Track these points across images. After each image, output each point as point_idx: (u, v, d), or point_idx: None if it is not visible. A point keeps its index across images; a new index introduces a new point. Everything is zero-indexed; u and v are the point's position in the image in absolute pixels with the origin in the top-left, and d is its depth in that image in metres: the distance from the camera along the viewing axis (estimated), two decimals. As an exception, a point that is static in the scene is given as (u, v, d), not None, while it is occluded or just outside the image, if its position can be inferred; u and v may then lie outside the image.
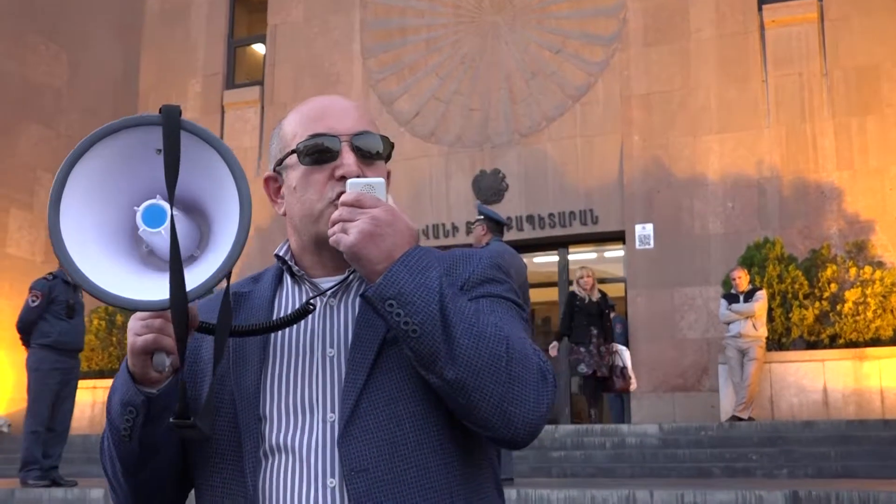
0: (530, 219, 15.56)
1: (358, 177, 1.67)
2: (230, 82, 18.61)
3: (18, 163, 16.45)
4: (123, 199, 1.56)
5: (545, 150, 15.84)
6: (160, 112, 1.53)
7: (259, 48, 18.86)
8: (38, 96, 17.03)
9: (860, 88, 14.25)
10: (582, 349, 12.39)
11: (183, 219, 1.55)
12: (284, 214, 1.79)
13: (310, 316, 1.69)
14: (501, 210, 15.65)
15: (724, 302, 12.65)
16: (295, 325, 1.70)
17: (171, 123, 1.52)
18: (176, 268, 1.46)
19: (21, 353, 9.72)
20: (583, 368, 12.35)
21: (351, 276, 1.73)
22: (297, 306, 1.70)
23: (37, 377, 9.33)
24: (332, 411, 1.63)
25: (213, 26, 18.89)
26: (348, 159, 1.70)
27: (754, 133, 14.68)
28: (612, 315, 13.08)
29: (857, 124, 14.17)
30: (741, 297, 12.40)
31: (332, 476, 1.59)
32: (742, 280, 12.42)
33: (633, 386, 12.59)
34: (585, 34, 15.93)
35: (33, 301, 9.33)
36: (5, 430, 14.86)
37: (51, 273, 9.67)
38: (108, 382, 16.09)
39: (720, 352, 13.07)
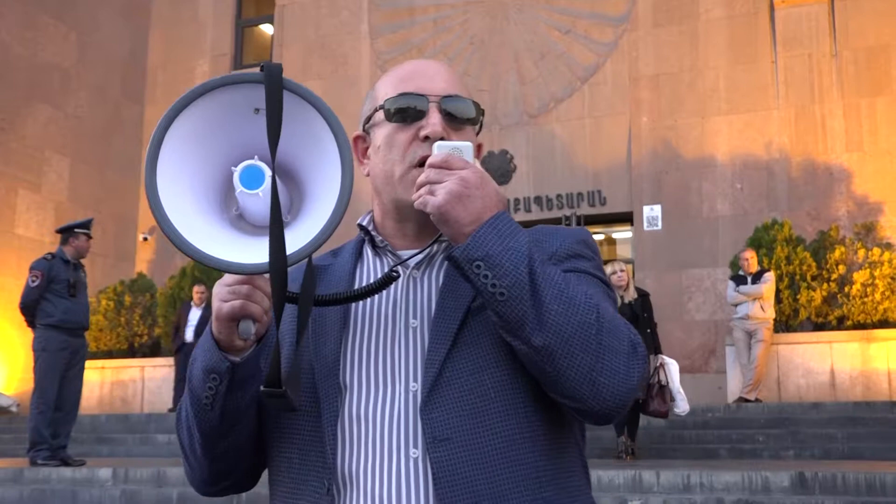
0: (538, 200, 15.54)
1: (442, 139, 1.63)
2: (238, 63, 18.60)
3: (27, 143, 16.47)
4: (220, 159, 1.52)
5: (553, 131, 15.81)
6: (261, 69, 1.48)
7: (267, 28, 18.84)
8: (46, 77, 17.03)
9: (870, 69, 14.19)
10: None
11: (279, 182, 1.50)
12: (368, 175, 1.75)
13: (392, 287, 1.66)
14: (509, 191, 15.67)
15: (731, 284, 12.63)
16: (377, 296, 1.66)
17: (274, 82, 1.47)
18: (276, 230, 1.42)
19: (30, 333, 9.75)
20: None
21: (434, 248, 1.69)
22: (384, 273, 1.65)
23: (44, 357, 9.36)
24: (415, 381, 1.59)
25: (220, 6, 18.86)
26: (434, 119, 1.65)
27: (763, 114, 14.63)
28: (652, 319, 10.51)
29: (867, 105, 14.11)
30: (749, 279, 12.38)
31: (416, 447, 1.55)
32: (751, 261, 12.40)
33: (682, 409, 9.91)
34: (594, 14, 15.87)
35: (33, 281, 9.36)
36: (14, 410, 14.93)
37: (50, 253, 9.68)
38: (117, 363, 16.15)
39: (728, 333, 13.07)
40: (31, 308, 9.42)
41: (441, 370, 1.56)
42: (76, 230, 9.69)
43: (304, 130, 1.51)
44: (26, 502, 8.77)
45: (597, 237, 16.98)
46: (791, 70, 14.60)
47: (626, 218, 15.36)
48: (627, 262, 15.99)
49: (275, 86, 1.47)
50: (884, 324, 12.45)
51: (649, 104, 15.29)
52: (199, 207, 1.51)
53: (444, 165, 1.53)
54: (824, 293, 12.82)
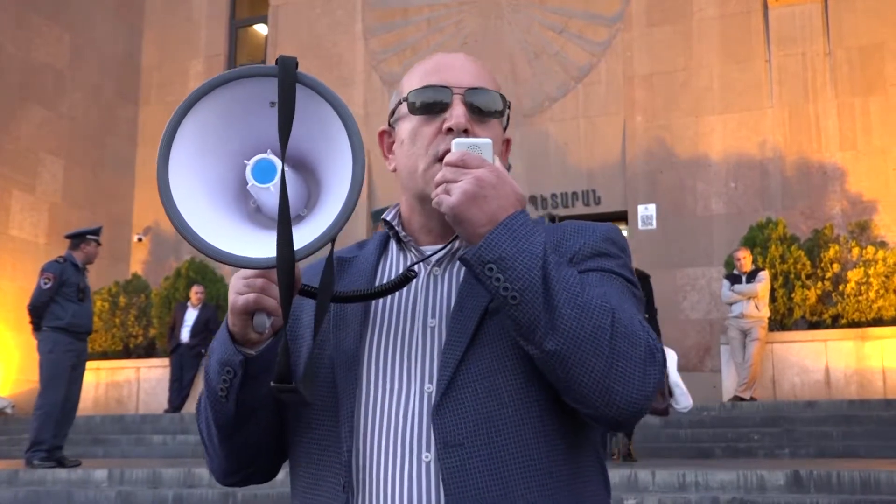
0: (532, 199, 15.54)
1: (466, 131, 1.62)
2: (232, 63, 18.58)
3: (21, 145, 16.44)
4: (233, 152, 1.52)
5: (548, 130, 15.81)
6: (276, 63, 1.47)
7: (261, 29, 18.82)
8: (40, 78, 17.00)
9: (864, 68, 14.21)
10: None
11: (293, 176, 1.50)
12: (394, 170, 1.74)
13: (413, 284, 1.65)
14: (504, 191, 15.65)
15: (726, 283, 12.65)
16: (398, 293, 1.65)
17: (288, 75, 1.46)
18: (284, 226, 1.42)
19: (25, 335, 9.75)
20: None
21: (457, 244, 1.67)
22: (401, 273, 1.64)
23: (51, 360, 9.37)
24: (430, 382, 1.58)
25: (214, 7, 18.84)
26: (458, 111, 1.63)
27: (757, 113, 14.64)
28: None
29: (861, 104, 14.13)
30: (744, 278, 12.40)
31: (428, 450, 1.54)
32: (746, 260, 12.42)
33: (684, 405, 9.42)
34: (588, 14, 15.88)
35: (45, 283, 9.37)
36: (9, 411, 14.90)
37: (61, 256, 9.71)
38: (112, 364, 16.15)
39: (722, 332, 13.08)
40: (39, 310, 9.44)
41: (455, 373, 1.55)
42: (87, 236, 9.75)
43: (318, 124, 1.50)
44: (21, 503, 8.75)
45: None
46: (785, 69, 14.61)
47: (620, 217, 15.36)
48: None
49: (288, 79, 1.46)
50: (878, 322, 12.46)
51: (643, 103, 15.31)
52: (211, 201, 1.50)
53: (460, 164, 1.50)
54: (819, 292, 12.84)
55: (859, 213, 13.76)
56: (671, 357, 9.17)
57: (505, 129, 1.75)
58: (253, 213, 1.55)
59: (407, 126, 1.69)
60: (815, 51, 14.53)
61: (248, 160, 1.49)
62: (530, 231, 1.49)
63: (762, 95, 14.68)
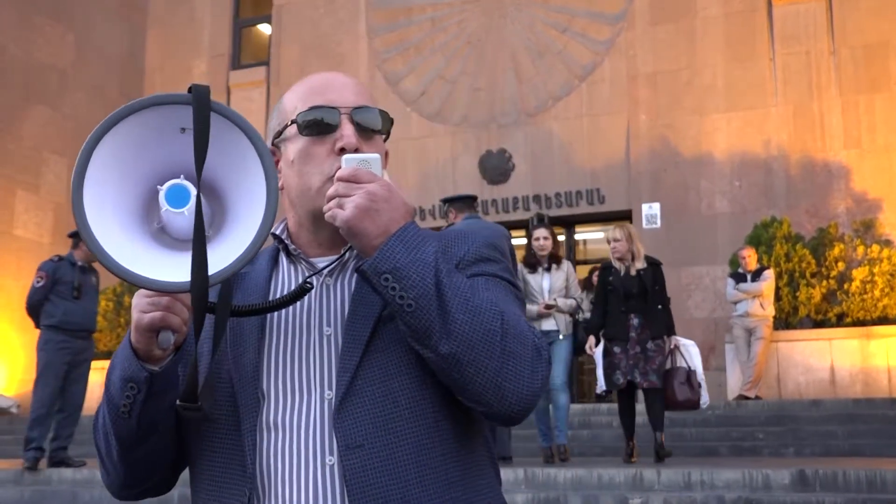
0: (537, 198, 15.53)
1: (356, 150, 1.66)
2: (236, 63, 18.59)
3: (24, 145, 16.46)
4: (145, 177, 1.54)
5: (551, 129, 15.80)
6: (189, 91, 1.50)
7: (265, 28, 18.82)
8: (43, 77, 17.01)
9: (868, 66, 14.19)
10: (616, 348, 8.74)
11: (203, 201, 1.53)
12: (282, 189, 1.76)
13: (307, 295, 1.68)
14: (507, 190, 15.67)
15: (731, 281, 12.63)
16: (292, 305, 1.68)
17: (202, 103, 1.49)
18: (199, 251, 1.45)
19: (30, 334, 9.78)
20: (618, 378, 8.68)
21: (347, 255, 1.72)
22: (294, 286, 1.70)
23: (41, 358, 9.42)
24: (330, 389, 1.63)
25: (218, 6, 18.85)
26: (348, 131, 1.69)
27: (761, 112, 14.62)
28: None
29: (865, 102, 14.11)
30: (748, 277, 12.38)
31: (331, 454, 1.59)
32: (750, 259, 12.40)
33: (704, 400, 8.87)
34: (591, 13, 15.86)
35: (38, 282, 9.43)
36: (14, 411, 14.92)
37: (58, 255, 9.72)
38: (116, 363, 16.42)
39: (727, 331, 13.06)
40: (35, 308, 9.49)
41: (353, 378, 1.61)
42: None
43: (231, 151, 1.54)
44: (27, 503, 8.76)
45: (596, 235, 16.99)
46: (789, 67, 14.59)
47: (624, 216, 15.34)
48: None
49: (202, 107, 1.49)
50: (883, 320, 12.44)
51: (647, 102, 15.29)
52: (123, 225, 1.53)
53: (352, 179, 1.56)
54: (823, 290, 12.83)
55: (864, 212, 13.74)
56: (693, 349, 8.92)
57: (385, 141, 1.80)
58: (156, 233, 1.57)
59: (296, 146, 1.73)
60: (819, 49, 14.50)
61: (161, 185, 1.52)
62: (422, 241, 1.56)
63: (766, 94, 14.66)
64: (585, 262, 15.67)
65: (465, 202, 9.16)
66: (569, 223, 15.93)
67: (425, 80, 16.64)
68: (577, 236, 16.23)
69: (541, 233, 9.30)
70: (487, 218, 14.37)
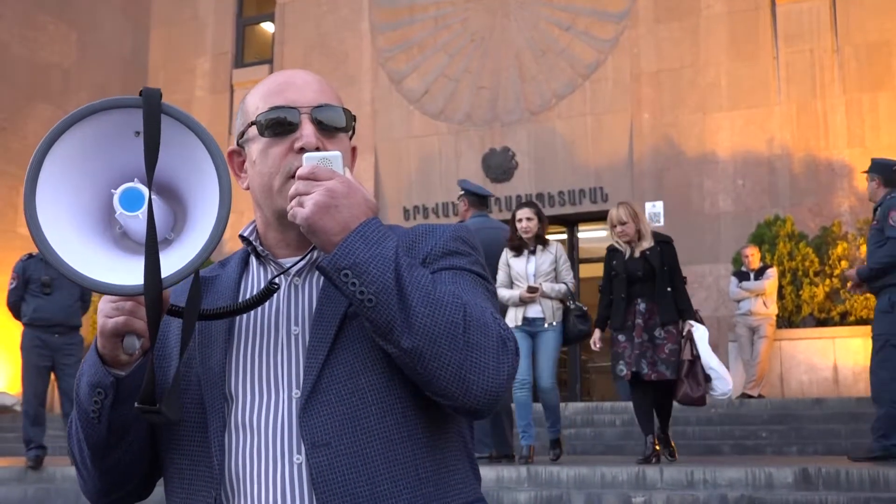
0: (540, 197, 15.52)
1: (317, 149, 1.66)
2: (239, 61, 18.59)
3: (28, 143, 16.46)
4: (100, 181, 1.55)
5: (555, 127, 15.79)
6: (140, 94, 1.51)
7: (268, 27, 18.82)
8: (46, 76, 17.03)
9: (872, 64, 14.17)
10: (621, 337, 8.03)
11: (159, 202, 1.54)
12: (248, 189, 1.79)
13: (275, 296, 1.69)
14: (511, 189, 15.66)
15: (734, 280, 12.63)
16: (261, 306, 1.69)
17: (152, 106, 1.50)
18: (152, 255, 1.45)
19: (30, 334, 9.81)
20: (621, 369, 7.98)
21: (315, 255, 1.72)
22: (263, 287, 1.69)
23: (22, 356, 9.53)
24: (298, 388, 1.63)
25: (221, 4, 18.85)
26: (307, 130, 1.68)
27: (765, 110, 14.61)
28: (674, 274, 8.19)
29: (869, 101, 14.09)
30: (751, 275, 12.38)
31: (299, 452, 1.59)
32: (753, 257, 12.40)
33: (722, 391, 8.05)
34: (595, 11, 15.85)
35: (11, 283, 9.56)
36: (17, 409, 14.92)
37: (29, 253, 9.74)
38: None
39: (730, 329, 13.06)
40: (15, 309, 9.60)
41: (319, 376, 1.61)
42: None
43: (184, 153, 1.54)
44: (30, 502, 8.77)
45: (598, 234, 16.98)
46: (792, 66, 14.58)
47: (627, 214, 15.33)
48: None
49: (153, 109, 1.50)
50: (886, 319, 12.42)
51: (651, 101, 15.28)
52: (79, 229, 1.53)
53: (311, 177, 1.56)
54: (827, 289, 12.82)
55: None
56: (703, 334, 7.98)
57: (351, 138, 1.80)
58: (119, 237, 1.58)
59: (257, 146, 1.73)
60: (822, 47, 14.48)
61: (116, 189, 1.53)
62: (382, 236, 1.56)
63: (770, 92, 14.64)
64: (588, 261, 15.67)
65: (480, 199, 8.97)
66: (572, 221, 15.92)
67: (429, 78, 16.63)
68: (579, 235, 16.21)
69: (524, 213, 8.58)
70: (490, 216, 14.35)
